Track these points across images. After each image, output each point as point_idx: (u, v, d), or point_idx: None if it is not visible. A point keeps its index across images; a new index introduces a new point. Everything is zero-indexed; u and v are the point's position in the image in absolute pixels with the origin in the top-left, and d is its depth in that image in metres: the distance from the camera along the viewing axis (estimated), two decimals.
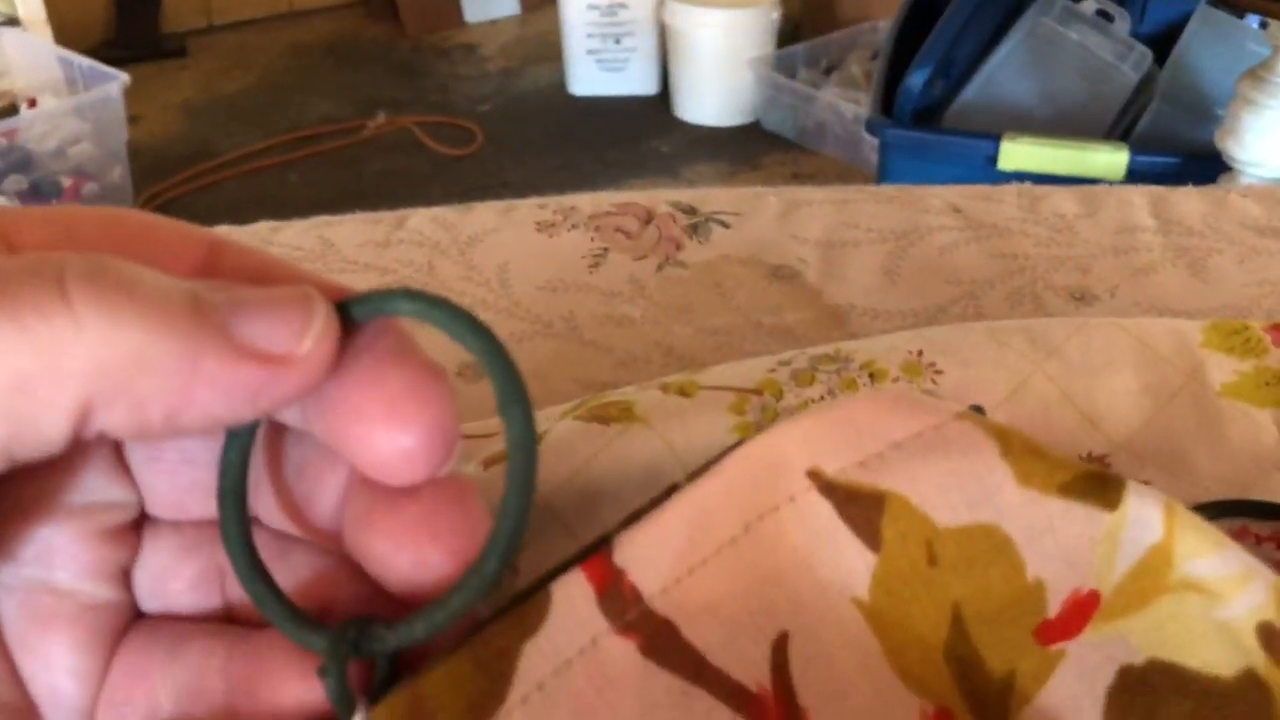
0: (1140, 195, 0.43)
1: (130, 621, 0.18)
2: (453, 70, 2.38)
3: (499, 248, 0.41)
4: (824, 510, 0.20)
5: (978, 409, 0.25)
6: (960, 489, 0.20)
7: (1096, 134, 1.49)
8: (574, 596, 0.18)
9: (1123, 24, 1.53)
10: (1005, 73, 1.54)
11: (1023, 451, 0.20)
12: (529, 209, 0.43)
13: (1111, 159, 1.36)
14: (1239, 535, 0.30)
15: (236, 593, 0.18)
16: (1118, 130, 1.51)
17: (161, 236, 0.17)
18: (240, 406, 0.15)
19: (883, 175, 1.50)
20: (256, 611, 0.17)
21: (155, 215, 0.17)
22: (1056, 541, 0.20)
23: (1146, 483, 0.31)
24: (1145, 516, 0.20)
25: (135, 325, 0.14)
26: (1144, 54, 1.50)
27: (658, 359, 0.36)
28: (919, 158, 1.45)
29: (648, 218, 0.43)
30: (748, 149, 2.13)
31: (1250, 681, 0.19)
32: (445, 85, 2.32)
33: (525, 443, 0.16)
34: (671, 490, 0.20)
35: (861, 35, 2.19)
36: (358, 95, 2.26)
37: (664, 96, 2.25)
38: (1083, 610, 0.21)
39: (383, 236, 0.41)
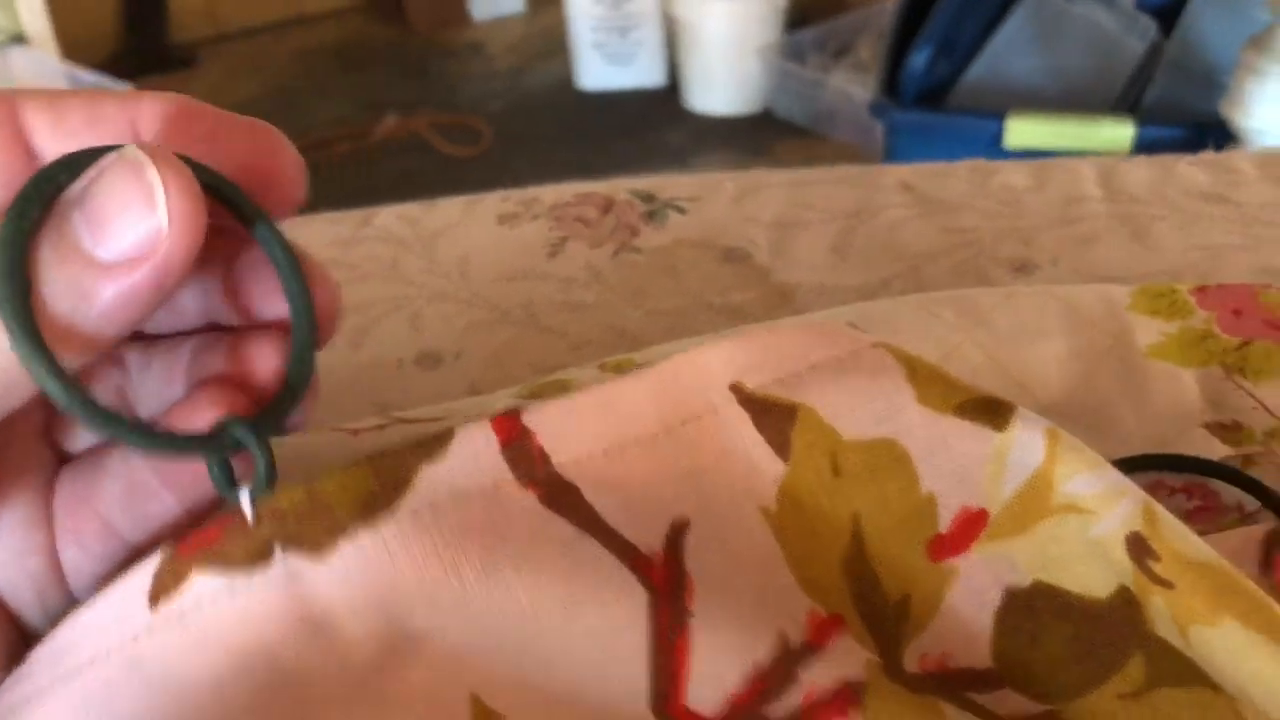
0: (1090, 166, 0.44)
1: (56, 469, 0.20)
2: (461, 69, 2.40)
3: (461, 241, 0.42)
4: (742, 421, 0.21)
5: None
6: (867, 405, 0.21)
7: (1105, 107, 1.48)
8: (476, 439, 0.20)
9: None
10: (1010, 50, 1.53)
11: (927, 375, 0.22)
12: (492, 202, 0.45)
13: (1117, 132, 1.35)
14: (1154, 487, 0.31)
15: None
16: (1126, 103, 1.50)
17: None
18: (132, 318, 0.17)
19: (889, 159, 1.50)
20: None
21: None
22: (950, 458, 0.21)
23: None
24: (1029, 439, 0.21)
25: None
26: (1149, 25, 1.49)
27: (609, 341, 0.37)
28: (924, 139, 1.45)
29: (607, 206, 0.44)
30: (758, 137, 2.13)
31: (1122, 598, 0.21)
32: (454, 85, 2.34)
33: (288, 253, 0.19)
34: None
35: (871, 18, 2.18)
36: (367, 98, 2.28)
37: (673, 88, 2.26)
38: (972, 526, 0.22)
39: (349, 234, 0.43)
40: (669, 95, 2.26)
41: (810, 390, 0.21)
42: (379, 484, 0.19)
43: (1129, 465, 0.31)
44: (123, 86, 1.61)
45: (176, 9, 2.47)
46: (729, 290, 0.39)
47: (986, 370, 0.33)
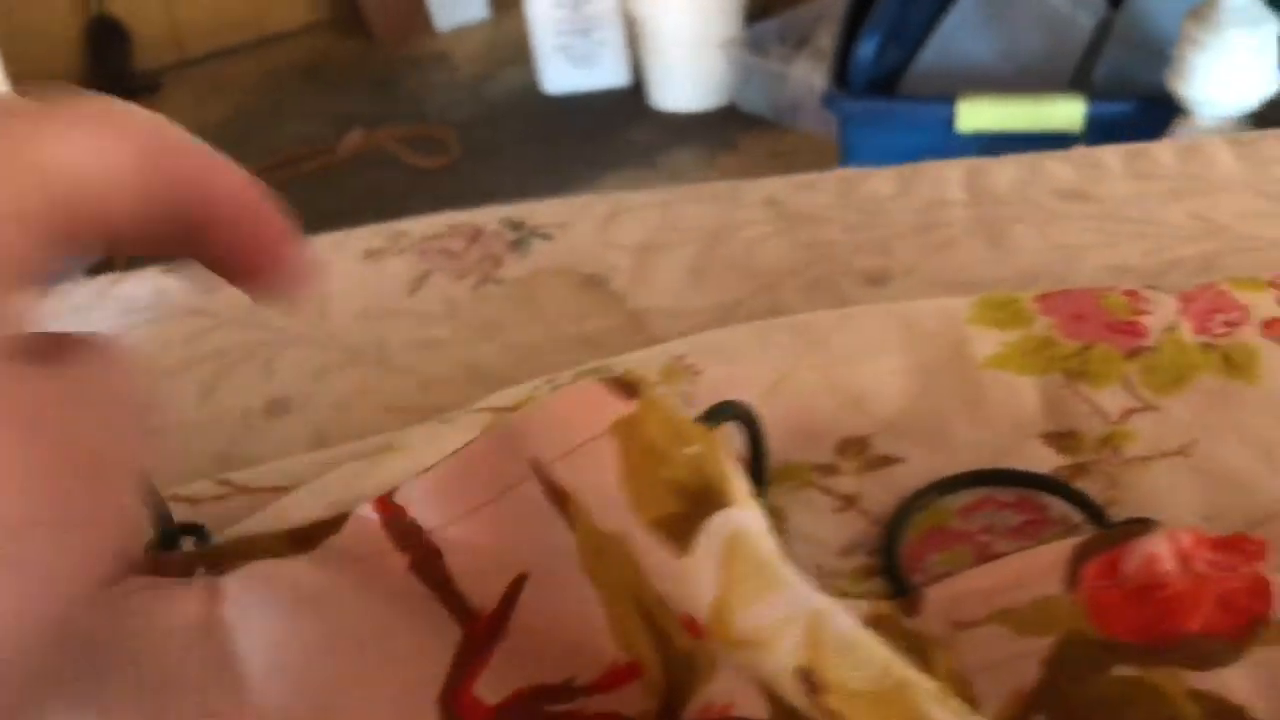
0: (957, 169, 0.43)
1: None
2: (426, 80, 2.39)
3: (325, 280, 0.42)
4: (539, 493, 0.24)
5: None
6: (602, 503, 0.23)
7: (1059, 85, 1.48)
8: (364, 518, 0.26)
9: None
10: (961, 33, 1.53)
11: (642, 470, 0.23)
12: (362, 237, 0.44)
13: (1069, 109, 1.35)
14: (983, 503, 0.31)
15: None
16: (1080, 80, 1.49)
17: None
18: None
19: (844, 149, 1.50)
20: None
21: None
22: (656, 565, 0.22)
23: (902, 460, 0.32)
24: (706, 568, 0.21)
25: None
26: (1098, 0, 1.48)
27: (462, 379, 0.37)
28: (878, 128, 1.45)
29: (475, 236, 0.44)
30: (725, 131, 2.13)
31: None
32: (420, 96, 2.34)
33: None
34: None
35: (830, 6, 2.17)
36: (333, 114, 2.28)
37: (637, 87, 2.25)
38: (693, 627, 0.22)
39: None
40: (634, 94, 2.26)
41: (570, 476, 0.24)
42: (290, 547, 0.26)
43: (958, 483, 0.31)
44: None
45: (140, 35, 2.47)
46: (585, 319, 0.39)
47: (823, 391, 0.33)
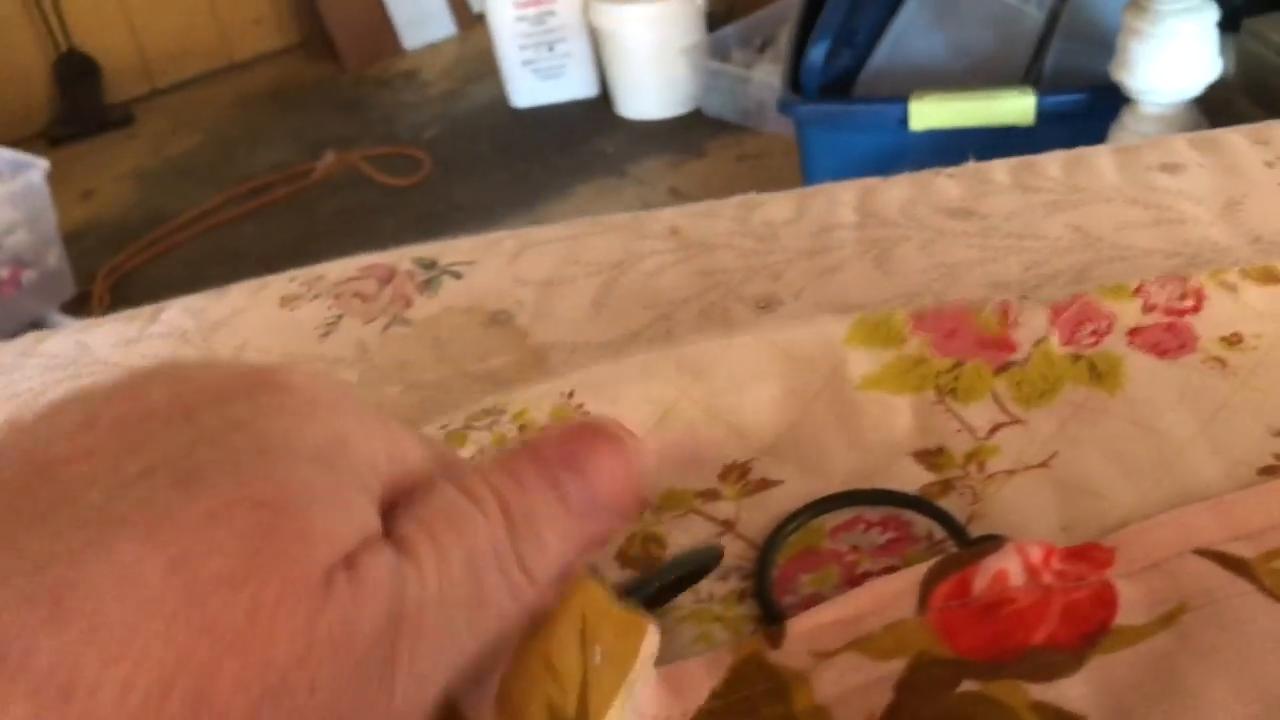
0: (851, 191, 0.45)
1: None
2: (396, 99, 2.41)
3: (242, 329, 0.43)
4: None
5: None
6: None
7: (1012, 80, 1.49)
8: None
9: None
10: (912, 33, 1.54)
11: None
12: (279, 284, 0.46)
13: (1020, 103, 1.36)
14: (854, 523, 0.32)
15: None
16: (1033, 74, 1.51)
17: None
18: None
19: (803, 152, 1.51)
20: None
21: None
22: None
23: (780, 482, 0.33)
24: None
25: None
26: None
27: None
28: (834, 130, 1.47)
29: (388, 277, 0.45)
30: (692, 137, 2.14)
31: None
32: (390, 116, 2.35)
33: None
34: None
35: (789, 9, 2.19)
36: (305, 138, 2.30)
37: (604, 97, 2.27)
38: None
39: (135, 333, 0.44)
40: (601, 105, 2.27)
41: None
42: None
43: (829, 503, 0.32)
44: (34, 160, 1.63)
45: (109, 70, 2.48)
46: (489, 356, 0.40)
47: (705, 422, 0.34)
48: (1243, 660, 0.26)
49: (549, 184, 2.08)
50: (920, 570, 0.28)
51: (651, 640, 0.20)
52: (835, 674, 0.26)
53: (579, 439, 0.20)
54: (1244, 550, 0.28)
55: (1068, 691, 0.25)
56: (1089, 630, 0.27)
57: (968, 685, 0.26)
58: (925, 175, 0.45)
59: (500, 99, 2.34)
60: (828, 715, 0.26)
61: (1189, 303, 0.36)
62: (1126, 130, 1.26)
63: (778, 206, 0.45)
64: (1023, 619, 0.27)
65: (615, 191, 2.04)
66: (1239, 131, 0.45)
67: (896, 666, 0.26)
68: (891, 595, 0.28)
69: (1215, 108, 1.29)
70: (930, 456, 0.33)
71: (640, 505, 0.22)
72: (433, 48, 2.59)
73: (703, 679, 0.26)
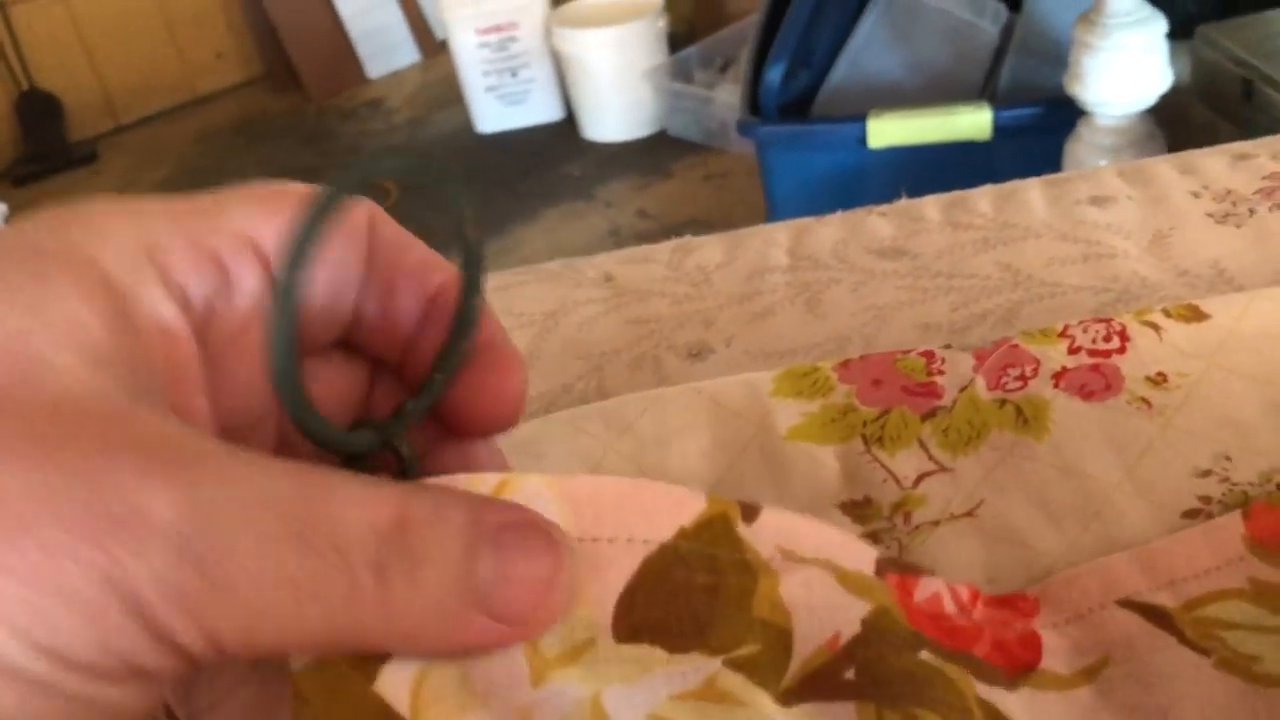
0: (784, 232, 0.45)
1: None
2: (361, 129, 2.41)
3: None
4: None
5: None
6: None
7: (969, 95, 1.50)
8: None
9: None
10: (869, 51, 1.55)
11: None
12: None
13: (977, 119, 1.37)
14: None
15: None
16: (990, 88, 1.52)
17: None
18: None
19: (764, 172, 1.52)
20: None
21: None
22: None
23: None
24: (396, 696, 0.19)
25: None
26: (999, 8, 1.51)
27: None
28: (794, 150, 1.47)
29: None
30: (658, 158, 2.15)
31: None
32: (356, 145, 2.35)
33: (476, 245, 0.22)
34: None
35: (749, 29, 2.21)
36: (271, 170, 2.28)
37: (570, 120, 2.28)
38: None
39: None
40: (566, 128, 2.28)
41: None
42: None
43: None
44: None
45: (72, 106, 2.47)
46: None
47: (633, 476, 0.34)
48: (1164, 718, 0.26)
49: (517, 209, 2.08)
50: (873, 550, 0.27)
51: None
52: (803, 581, 0.24)
53: (516, 530, 0.18)
54: (1166, 600, 0.28)
55: (1006, 702, 0.25)
56: (1019, 667, 0.27)
57: (927, 656, 0.24)
58: (858, 214, 0.45)
59: (465, 125, 2.34)
60: (788, 617, 0.23)
61: (1114, 344, 0.36)
62: (1082, 142, 1.27)
63: (711, 250, 0.45)
64: (963, 633, 0.27)
65: (583, 215, 2.04)
66: (1166, 161, 0.45)
67: (864, 605, 0.24)
68: (854, 551, 0.26)
69: (1172, 115, 1.31)
70: (857, 508, 0.33)
71: (539, 629, 0.19)
72: (397, 76, 2.59)
73: (672, 509, 0.23)
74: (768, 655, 0.22)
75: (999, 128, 1.36)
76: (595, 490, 0.22)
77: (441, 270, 0.23)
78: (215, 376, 0.20)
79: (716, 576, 0.23)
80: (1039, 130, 1.36)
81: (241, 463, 0.16)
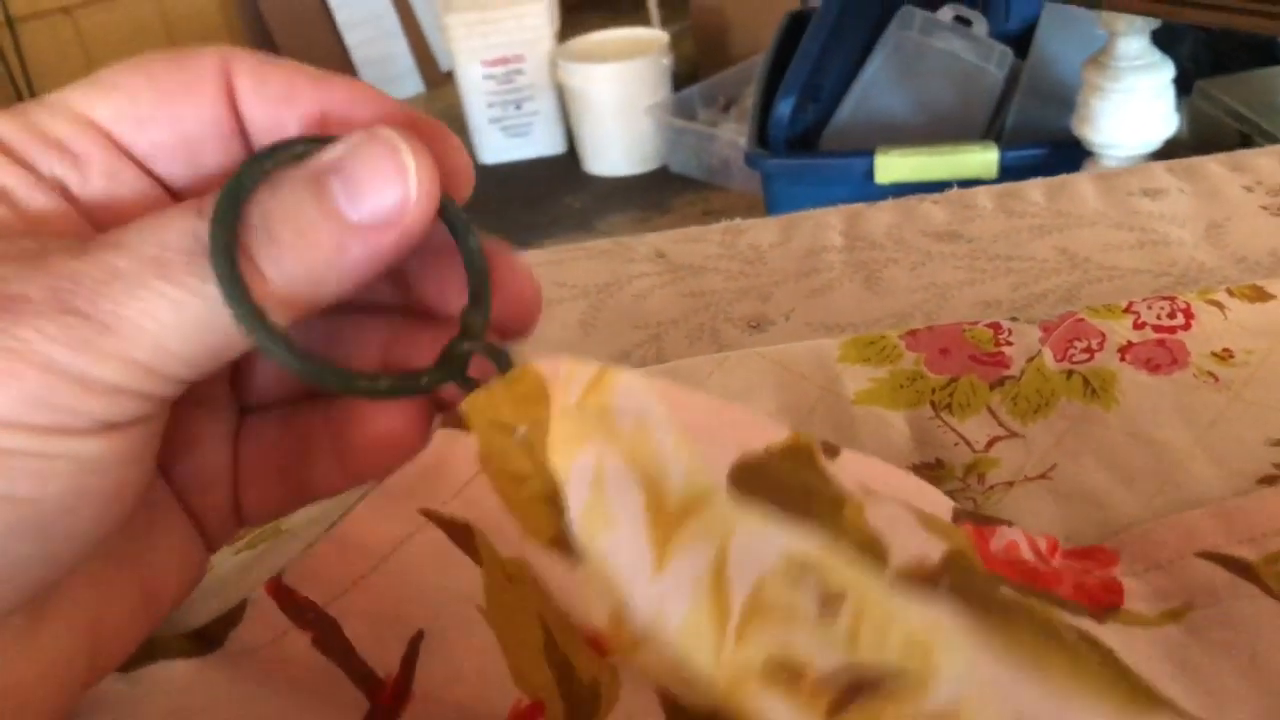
0: (836, 216, 0.45)
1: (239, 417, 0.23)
2: None
3: None
4: (440, 536, 0.24)
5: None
6: (500, 532, 0.23)
7: (973, 135, 1.52)
8: (260, 602, 0.26)
9: (980, 27, 1.57)
10: (876, 89, 1.57)
11: (513, 497, 0.22)
12: None
13: (983, 158, 1.39)
14: None
15: None
16: (994, 129, 1.54)
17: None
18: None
19: (769, 205, 1.53)
20: None
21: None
22: (559, 583, 0.22)
23: None
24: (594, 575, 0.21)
25: None
26: (1005, 52, 1.54)
27: None
28: (801, 183, 1.48)
29: None
30: (658, 194, 2.16)
31: None
32: None
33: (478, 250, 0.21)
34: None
35: (753, 69, 2.24)
36: None
37: (572, 154, 2.29)
38: (597, 643, 0.22)
39: None
40: (569, 161, 2.29)
41: (471, 509, 0.24)
42: (194, 645, 0.25)
43: None
44: None
45: None
46: None
47: None
48: (1253, 657, 0.25)
49: (518, 240, 2.08)
50: (949, 501, 0.27)
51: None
52: (886, 515, 0.24)
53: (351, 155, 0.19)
54: (1247, 553, 0.28)
55: (1096, 631, 0.25)
56: (1102, 606, 0.27)
57: (1007, 592, 0.24)
58: (910, 201, 0.46)
59: (469, 156, 2.35)
60: (878, 542, 0.23)
61: (1179, 320, 0.36)
62: None
63: (763, 231, 0.45)
64: (1043, 577, 0.27)
65: None
66: (1216, 160, 0.46)
67: (943, 546, 0.24)
68: (931, 498, 0.27)
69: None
70: (929, 469, 0.33)
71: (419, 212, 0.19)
72: None
73: (760, 429, 0.24)
74: (867, 557, 0.22)
75: (1004, 167, 1.38)
76: (690, 398, 0.23)
77: (317, 83, 0.22)
78: None
79: (807, 490, 0.23)
80: (1043, 170, 1.37)
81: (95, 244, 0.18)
